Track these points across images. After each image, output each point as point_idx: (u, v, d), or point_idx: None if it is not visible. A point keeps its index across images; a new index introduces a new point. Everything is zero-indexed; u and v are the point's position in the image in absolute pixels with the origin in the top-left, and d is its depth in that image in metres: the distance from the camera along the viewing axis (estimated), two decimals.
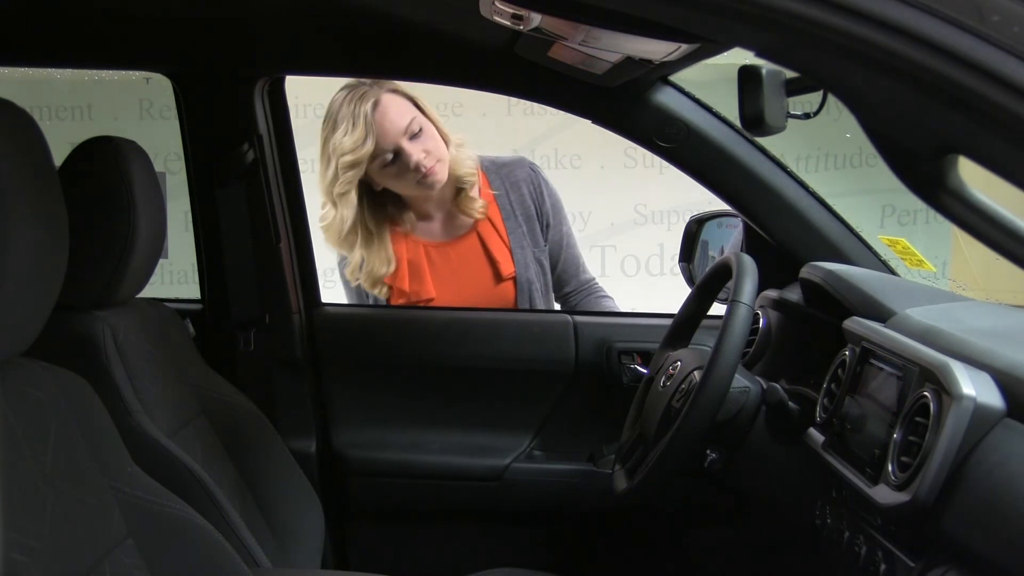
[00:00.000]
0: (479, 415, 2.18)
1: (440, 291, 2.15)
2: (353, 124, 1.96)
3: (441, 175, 2.04)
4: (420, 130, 2.02)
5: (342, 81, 2.25)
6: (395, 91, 2.05)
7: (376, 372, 2.22)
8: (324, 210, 2.09)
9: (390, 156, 2.01)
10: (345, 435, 2.20)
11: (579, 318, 2.17)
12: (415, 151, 2.01)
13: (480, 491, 2.15)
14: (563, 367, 2.14)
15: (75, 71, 4.05)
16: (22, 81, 3.71)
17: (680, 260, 2.06)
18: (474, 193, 2.14)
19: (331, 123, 2.03)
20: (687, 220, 2.10)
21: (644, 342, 2.11)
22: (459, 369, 2.18)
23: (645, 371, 1.95)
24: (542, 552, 2.20)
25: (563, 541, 2.23)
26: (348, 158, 1.98)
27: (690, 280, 2.02)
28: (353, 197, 2.02)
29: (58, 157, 1.16)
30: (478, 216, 2.13)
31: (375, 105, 2.00)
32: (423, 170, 2.01)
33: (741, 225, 1.96)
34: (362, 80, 2.04)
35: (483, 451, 2.16)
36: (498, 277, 2.15)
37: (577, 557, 2.23)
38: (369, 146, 1.98)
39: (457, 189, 2.13)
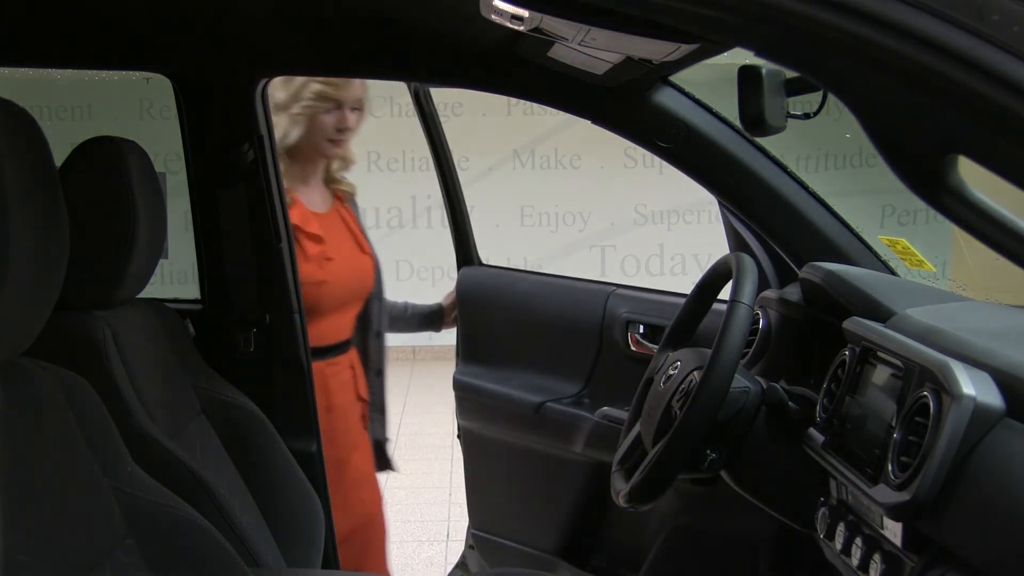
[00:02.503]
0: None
1: (336, 255, 2.28)
2: None
3: (343, 151, 2.30)
4: (361, 112, 2.28)
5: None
6: None
7: None
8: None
9: (335, 106, 2.23)
10: None
11: (617, 291, 2.37)
12: (351, 119, 2.25)
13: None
14: (593, 332, 2.33)
15: (75, 71, 4.05)
16: (22, 81, 3.70)
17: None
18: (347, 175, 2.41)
19: None
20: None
21: (652, 316, 2.27)
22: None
23: (649, 344, 2.13)
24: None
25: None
26: (320, 88, 2.20)
27: None
28: (303, 123, 2.22)
29: (58, 157, 1.16)
30: (345, 189, 2.38)
31: None
32: (339, 136, 2.25)
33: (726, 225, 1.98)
34: None
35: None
36: (362, 250, 2.35)
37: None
38: (343, 92, 2.20)
39: (333, 167, 2.36)
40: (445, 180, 2.58)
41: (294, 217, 2.20)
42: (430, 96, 2.52)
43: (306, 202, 2.28)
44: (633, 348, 2.28)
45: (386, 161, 6.78)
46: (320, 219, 2.29)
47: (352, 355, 2.30)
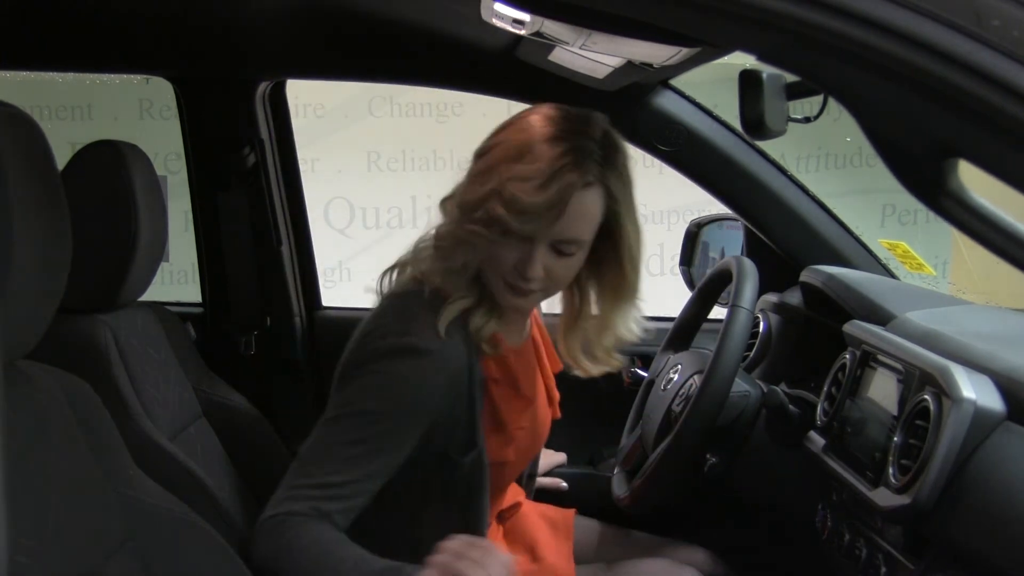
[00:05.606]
0: None
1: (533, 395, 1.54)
2: (549, 179, 1.33)
3: (530, 304, 1.45)
4: (572, 253, 1.38)
5: (344, 83, 2.25)
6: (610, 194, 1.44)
7: None
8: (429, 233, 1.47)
9: (519, 239, 1.35)
10: None
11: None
12: (540, 261, 1.36)
13: None
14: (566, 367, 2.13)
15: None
16: (22, 81, 3.71)
17: (681, 264, 2.06)
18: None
19: (537, 144, 1.36)
20: (687, 222, 2.11)
21: (644, 345, 2.10)
22: None
23: (644, 374, 1.97)
24: None
25: None
26: (501, 213, 1.33)
27: (690, 283, 2.02)
28: (479, 247, 1.38)
29: (58, 156, 1.16)
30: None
31: (584, 186, 1.37)
32: (519, 285, 1.38)
33: (742, 228, 1.97)
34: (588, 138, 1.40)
35: None
36: (550, 399, 1.61)
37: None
38: (533, 224, 1.33)
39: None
40: (292, 203, 2.20)
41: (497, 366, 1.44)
42: None
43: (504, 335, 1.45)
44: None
45: (386, 161, 6.77)
46: (517, 355, 1.49)
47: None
